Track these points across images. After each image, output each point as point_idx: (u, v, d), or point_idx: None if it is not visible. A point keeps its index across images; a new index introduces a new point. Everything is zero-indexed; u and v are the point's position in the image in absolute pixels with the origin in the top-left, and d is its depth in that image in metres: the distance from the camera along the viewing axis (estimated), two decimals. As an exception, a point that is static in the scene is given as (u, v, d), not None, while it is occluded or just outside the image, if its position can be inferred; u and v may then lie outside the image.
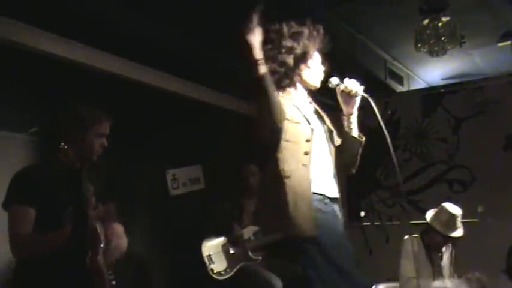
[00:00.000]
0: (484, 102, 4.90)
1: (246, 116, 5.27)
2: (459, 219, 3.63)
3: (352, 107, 2.43)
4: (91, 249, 2.14)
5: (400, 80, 5.72)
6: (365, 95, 2.39)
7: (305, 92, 2.49)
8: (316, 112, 2.51)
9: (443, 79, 5.91)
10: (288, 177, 2.25)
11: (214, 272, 3.93)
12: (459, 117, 5.04)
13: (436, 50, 4.17)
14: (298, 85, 2.44)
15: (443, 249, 3.78)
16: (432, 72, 5.81)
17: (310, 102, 2.51)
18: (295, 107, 2.37)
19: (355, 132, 2.46)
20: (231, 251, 4.03)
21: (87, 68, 3.69)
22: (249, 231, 4.15)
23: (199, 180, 4.82)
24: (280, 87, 2.38)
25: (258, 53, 2.15)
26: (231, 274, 3.96)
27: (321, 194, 2.30)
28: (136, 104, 4.03)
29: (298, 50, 2.35)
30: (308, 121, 2.38)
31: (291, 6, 3.67)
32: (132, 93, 4.03)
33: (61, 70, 3.52)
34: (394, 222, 5.16)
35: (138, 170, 4.05)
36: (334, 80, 2.42)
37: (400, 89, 5.72)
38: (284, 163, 2.28)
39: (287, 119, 2.31)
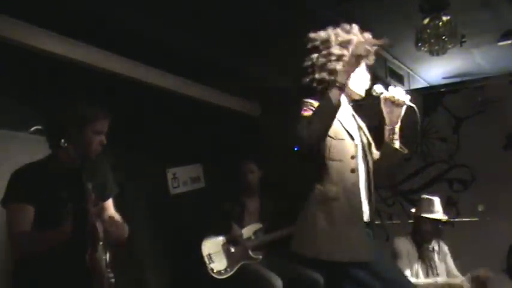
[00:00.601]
0: (485, 102, 4.89)
1: (246, 115, 5.29)
2: (437, 204, 3.84)
3: (397, 117, 2.32)
4: (90, 247, 2.14)
5: (400, 79, 5.72)
6: (411, 105, 2.30)
7: (348, 103, 2.41)
8: (357, 124, 2.42)
9: (443, 78, 5.90)
10: (337, 199, 2.18)
11: (214, 271, 3.93)
12: (459, 116, 5.03)
13: (437, 49, 4.17)
14: (343, 95, 2.30)
15: (433, 243, 3.83)
16: (432, 71, 5.80)
17: (352, 115, 2.42)
18: (338, 121, 2.27)
19: (397, 143, 2.36)
20: (231, 250, 4.03)
21: (87, 66, 3.69)
22: (249, 231, 4.15)
23: (199, 179, 4.82)
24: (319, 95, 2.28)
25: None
26: (231, 273, 3.96)
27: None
28: (136, 103, 4.03)
29: (347, 58, 2.24)
30: (351, 136, 2.30)
31: (291, 6, 3.67)
32: (133, 92, 4.03)
33: (62, 69, 3.51)
34: (394, 221, 5.15)
35: (139, 169, 4.05)
36: (378, 88, 2.34)
37: (400, 88, 5.71)
38: (331, 184, 2.20)
39: (330, 136, 2.22)
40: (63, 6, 3.30)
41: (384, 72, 5.37)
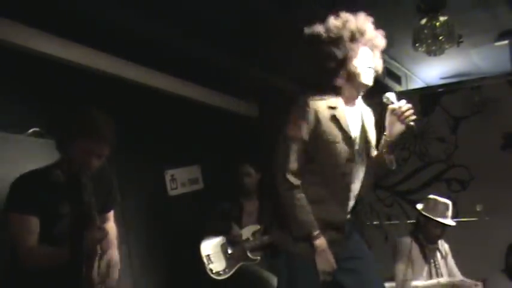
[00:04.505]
0: (482, 102, 4.90)
1: (245, 116, 5.29)
2: (451, 208, 3.64)
3: (397, 132, 2.22)
4: (86, 265, 2.08)
5: (398, 80, 5.73)
6: (413, 124, 2.18)
7: (355, 95, 2.30)
8: (362, 122, 2.32)
9: (441, 78, 5.92)
10: (322, 202, 2.16)
11: (213, 272, 3.94)
12: (457, 116, 5.04)
13: (434, 50, 4.18)
14: (347, 88, 2.26)
15: (438, 243, 3.73)
16: (430, 71, 5.82)
17: (360, 110, 2.31)
18: (336, 122, 2.19)
19: (389, 157, 2.27)
20: (230, 251, 4.03)
21: (86, 68, 3.68)
22: (247, 232, 4.15)
23: (197, 180, 4.81)
24: (324, 92, 2.23)
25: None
26: (230, 274, 3.96)
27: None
28: (135, 104, 4.02)
29: (339, 55, 2.18)
30: (350, 138, 2.20)
31: (292, 6, 3.67)
32: (131, 93, 4.02)
33: (60, 71, 3.50)
34: (392, 222, 5.16)
35: (137, 171, 4.04)
36: (390, 96, 2.24)
37: (398, 88, 5.73)
38: (317, 186, 2.18)
39: (326, 139, 2.16)
40: (62, 8, 3.29)
41: (381, 72, 5.38)
